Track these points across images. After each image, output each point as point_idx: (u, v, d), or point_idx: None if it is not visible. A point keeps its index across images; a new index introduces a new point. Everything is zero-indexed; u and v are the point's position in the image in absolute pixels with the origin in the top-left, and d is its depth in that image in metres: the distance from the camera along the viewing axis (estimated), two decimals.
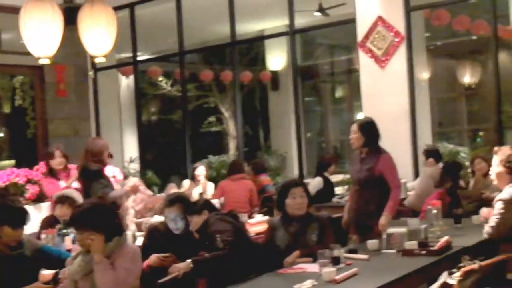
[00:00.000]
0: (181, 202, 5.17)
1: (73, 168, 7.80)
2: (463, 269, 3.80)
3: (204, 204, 5.23)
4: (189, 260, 4.74)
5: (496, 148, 5.15)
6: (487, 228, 4.84)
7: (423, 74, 10.02)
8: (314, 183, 8.99)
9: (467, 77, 14.10)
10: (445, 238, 4.78)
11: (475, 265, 3.85)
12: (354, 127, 5.91)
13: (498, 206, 4.77)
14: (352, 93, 14.10)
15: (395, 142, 8.67)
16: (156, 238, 5.19)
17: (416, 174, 8.65)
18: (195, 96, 15.06)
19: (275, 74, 14.11)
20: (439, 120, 14.45)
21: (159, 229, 5.25)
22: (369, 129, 5.92)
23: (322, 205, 8.27)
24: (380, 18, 8.63)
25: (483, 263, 3.94)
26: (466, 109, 14.78)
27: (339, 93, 16.16)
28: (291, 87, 10.71)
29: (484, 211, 5.43)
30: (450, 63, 14.66)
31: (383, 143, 8.53)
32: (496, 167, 4.94)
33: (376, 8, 8.67)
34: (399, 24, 8.53)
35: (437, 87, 14.87)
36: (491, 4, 8.25)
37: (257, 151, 14.43)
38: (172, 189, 8.85)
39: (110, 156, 7.99)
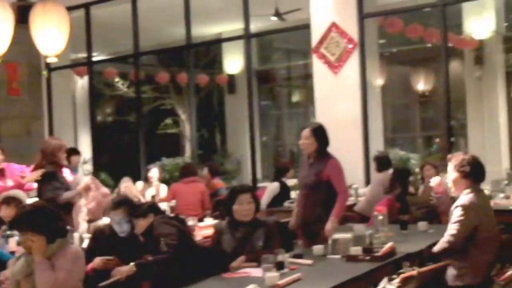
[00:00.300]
0: (126, 205, 5.14)
1: (26, 169, 7.66)
2: (402, 276, 3.85)
3: (150, 207, 5.21)
4: (132, 264, 4.72)
5: (449, 156, 5.19)
6: (447, 237, 4.70)
7: (377, 81, 10.12)
8: (271, 188, 8.99)
9: (421, 84, 14.32)
10: (389, 244, 4.83)
11: (414, 271, 3.90)
12: (307, 132, 5.89)
13: (457, 213, 4.67)
14: (308, 98, 14.18)
15: (347, 148, 8.78)
16: (102, 240, 5.15)
17: (368, 180, 8.75)
18: (153, 97, 14.99)
19: (231, 77, 14.12)
20: (393, 126, 14.67)
21: (105, 232, 5.22)
22: (322, 134, 5.95)
23: (274, 210, 8.30)
24: (334, 25, 8.71)
25: (422, 269, 3.99)
26: (419, 116, 14.99)
27: (296, 97, 16.26)
28: (248, 90, 10.70)
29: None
30: (405, 70, 14.88)
31: (336, 149, 8.64)
32: (451, 174, 4.89)
33: (330, 15, 8.75)
34: (353, 31, 8.64)
35: (391, 93, 15.09)
36: (442, 13, 8.35)
37: (213, 154, 14.42)
38: (125, 183, 8.77)
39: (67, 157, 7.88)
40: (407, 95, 15.06)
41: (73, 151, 10.16)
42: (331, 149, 8.41)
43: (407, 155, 9.21)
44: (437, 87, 13.85)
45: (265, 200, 8.52)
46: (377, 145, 9.24)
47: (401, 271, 3.94)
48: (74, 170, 9.28)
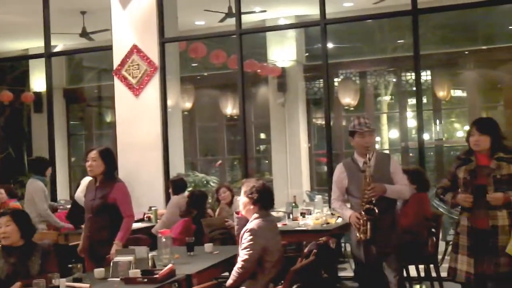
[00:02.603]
0: None
1: None
2: None
3: None
4: None
5: (243, 180, 5.34)
6: (240, 264, 4.84)
7: (180, 104, 10.29)
8: None
9: (229, 108, 14.73)
10: (169, 266, 4.92)
11: None
12: (94, 154, 5.88)
13: (246, 237, 4.84)
14: None
15: (148, 169, 8.86)
16: None
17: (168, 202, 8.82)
18: None
19: (39, 95, 13.71)
20: (203, 148, 14.97)
21: None
22: (109, 157, 5.94)
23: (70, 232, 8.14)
24: (135, 47, 8.77)
25: None
26: (226, 139, 15.39)
27: (108, 117, 16.09)
28: (55, 109, 10.38)
29: None
30: (215, 93, 15.25)
31: (136, 170, 8.71)
32: (242, 199, 5.08)
33: (132, 37, 8.81)
34: (154, 55, 8.74)
35: (201, 116, 15.41)
36: (238, 42, 8.67)
37: (20, 174, 13.84)
38: None
39: None
40: (215, 118, 15.42)
41: None
42: (132, 170, 8.50)
43: (206, 177, 9.42)
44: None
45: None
46: (179, 168, 9.38)
47: None
48: None
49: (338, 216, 7.11)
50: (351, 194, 5.34)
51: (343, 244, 8.71)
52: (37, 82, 13.80)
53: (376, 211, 5.05)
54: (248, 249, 4.83)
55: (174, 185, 8.21)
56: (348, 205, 5.44)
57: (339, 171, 5.40)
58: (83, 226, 7.42)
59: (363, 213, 5.08)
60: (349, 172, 5.33)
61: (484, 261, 4.76)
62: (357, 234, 5.13)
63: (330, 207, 7.39)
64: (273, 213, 8.71)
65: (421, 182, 6.87)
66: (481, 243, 4.78)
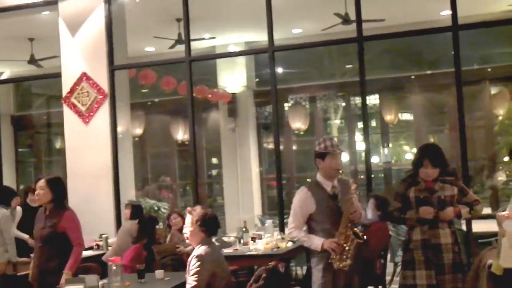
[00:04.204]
0: None
1: None
2: None
3: None
4: None
5: (189, 208, 5.32)
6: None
7: (130, 130, 10.26)
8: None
9: (180, 134, 14.76)
10: None
11: None
12: (42, 183, 5.85)
13: (194, 263, 4.86)
14: None
15: (98, 197, 8.82)
16: None
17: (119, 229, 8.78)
18: None
19: None
20: (151, 175, 14.92)
21: None
22: (57, 185, 5.91)
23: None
24: (84, 75, 8.78)
25: None
26: (178, 164, 15.38)
27: (58, 144, 15.94)
28: (2, 137, 10.27)
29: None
30: (166, 119, 15.26)
31: (87, 198, 8.65)
32: (188, 227, 5.07)
33: (81, 65, 8.81)
34: (103, 82, 8.75)
35: (152, 142, 15.39)
36: (188, 69, 8.75)
37: None
38: None
39: None
40: (167, 144, 15.43)
41: None
42: (82, 198, 8.45)
43: (157, 203, 9.42)
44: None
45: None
46: (129, 195, 9.34)
47: None
48: None
49: (289, 240, 7.18)
50: (317, 221, 4.95)
51: (294, 268, 8.78)
52: None
53: (364, 236, 4.86)
54: (196, 275, 4.84)
55: (134, 209, 8.14)
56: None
57: (305, 196, 4.96)
58: (32, 255, 7.37)
59: (351, 236, 4.80)
60: (316, 197, 4.93)
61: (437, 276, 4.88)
62: (333, 263, 4.81)
63: (284, 233, 7.40)
64: (224, 238, 8.79)
65: (386, 210, 7.03)
66: (433, 257, 4.89)
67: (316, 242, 4.87)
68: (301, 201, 4.97)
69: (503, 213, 4.89)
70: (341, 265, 4.80)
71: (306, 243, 4.97)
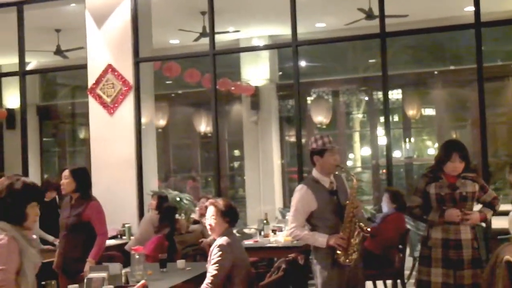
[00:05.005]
0: None
1: None
2: None
3: None
4: None
5: (211, 200, 5.36)
6: (209, 279, 4.93)
7: (154, 122, 10.38)
8: None
9: (203, 126, 14.87)
10: (142, 282, 5.01)
11: None
12: (66, 173, 6.01)
13: (216, 253, 4.96)
14: None
15: (122, 187, 8.95)
16: None
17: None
18: None
19: (11, 112, 13.72)
20: (174, 166, 15.04)
21: None
22: (81, 175, 6.05)
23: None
24: (110, 67, 8.89)
25: None
26: (200, 156, 15.50)
27: (82, 134, 16.13)
28: (28, 126, 10.41)
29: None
30: (189, 111, 15.38)
31: (110, 188, 8.78)
32: (210, 217, 5.13)
33: (107, 57, 8.92)
34: (128, 74, 8.86)
35: (175, 134, 15.51)
36: (212, 62, 8.83)
37: None
38: None
39: None
40: (190, 135, 15.54)
41: None
42: (106, 188, 8.57)
43: (180, 195, 9.52)
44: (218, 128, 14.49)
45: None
46: (152, 185, 9.47)
47: None
48: None
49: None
50: (320, 218, 4.89)
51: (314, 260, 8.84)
52: (10, 98, 13.82)
53: (368, 229, 4.85)
54: (217, 265, 4.95)
55: (160, 200, 8.26)
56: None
57: (305, 193, 4.89)
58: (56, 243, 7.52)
59: (356, 230, 4.78)
60: (316, 194, 4.87)
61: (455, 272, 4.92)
62: (340, 258, 4.77)
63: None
64: (245, 230, 8.88)
65: (400, 202, 7.21)
66: (453, 254, 4.92)
67: (321, 239, 4.82)
68: (302, 199, 4.90)
69: None
70: (347, 260, 4.78)
71: (310, 241, 4.93)
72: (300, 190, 4.94)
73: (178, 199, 9.20)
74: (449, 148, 5.01)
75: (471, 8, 8.05)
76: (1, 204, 3.58)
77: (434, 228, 4.99)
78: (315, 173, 4.98)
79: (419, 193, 5.07)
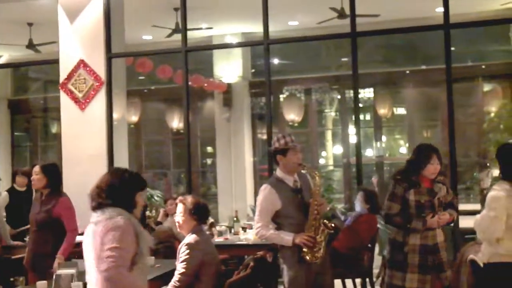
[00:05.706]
0: None
1: None
2: None
3: None
4: None
5: (180, 197, 5.35)
6: (177, 277, 4.93)
7: (125, 118, 10.33)
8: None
9: (175, 122, 14.85)
10: None
11: None
12: (37, 168, 5.98)
13: (184, 251, 4.95)
14: None
15: (93, 182, 8.82)
16: None
17: None
18: None
19: None
20: (146, 162, 15.00)
21: None
22: (52, 171, 6.03)
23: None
24: (82, 62, 8.83)
25: None
26: (173, 152, 15.49)
27: (54, 129, 16.03)
28: None
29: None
30: (162, 107, 15.35)
31: (81, 184, 8.65)
32: (179, 214, 5.13)
33: (79, 52, 8.87)
34: (100, 69, 8.80)
35: (148, 130, 15.48)
36: (184, 59, 8.82)
37: None
38: None
39: None
40: (162, 132, 15.52)
41: None
42: (77, 183, 8.49)
43: (150, 191, 9.51)
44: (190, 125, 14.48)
45: None
46: None
47: None
48: None
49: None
50: (285, 216, 4.93)
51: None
52: None
53: (333, 225, 4.88)
54: (185, 263, 4.96)
55: None
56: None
57: (269, 193, 4.92)
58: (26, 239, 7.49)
59: (321, 228, 4.81)
60: (280, 193, 4.92)
61: (433, 276, 4.94)
62: (307, 256, 4.82)
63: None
64: (216, 227, 8.89)
65: (374, 203, 7.22)
66: (431, 259, 4.95)
67: (287, 237, 4.86)
68: (266, 199, 4.93)
69: None
70: (314, 257, 4.82)
71: (276, 240, 4.96)
72: (264, 190, 4.97)
73: (149, 195, 9.18)
74: (427, 150, 4.99)
75: (442, 9, 8.15)
76: (116, 193, 3.85)
77: (411, 235, 4.95)
78: (279, 172, 5.03)
79: (398, 200, 4.99)
